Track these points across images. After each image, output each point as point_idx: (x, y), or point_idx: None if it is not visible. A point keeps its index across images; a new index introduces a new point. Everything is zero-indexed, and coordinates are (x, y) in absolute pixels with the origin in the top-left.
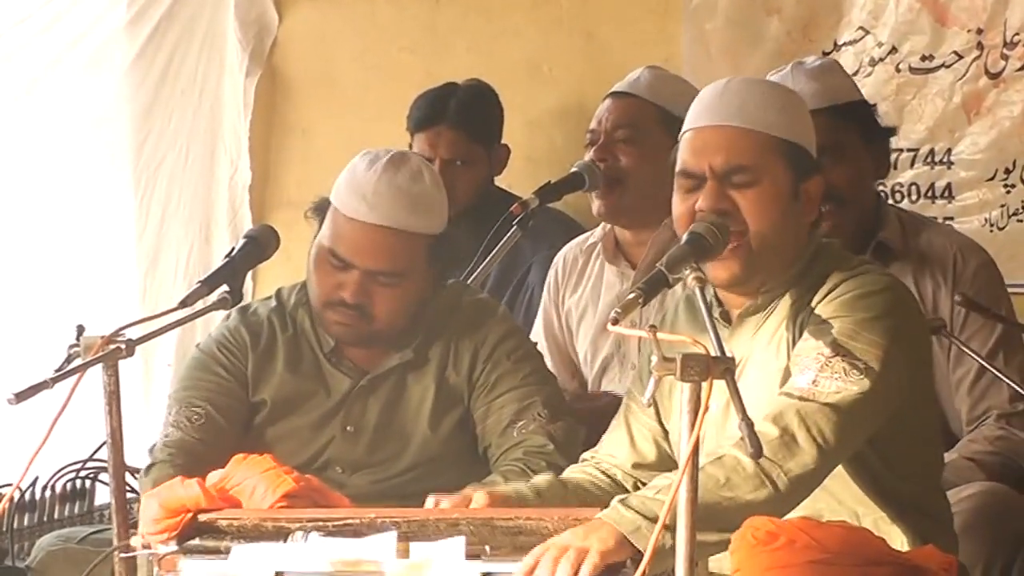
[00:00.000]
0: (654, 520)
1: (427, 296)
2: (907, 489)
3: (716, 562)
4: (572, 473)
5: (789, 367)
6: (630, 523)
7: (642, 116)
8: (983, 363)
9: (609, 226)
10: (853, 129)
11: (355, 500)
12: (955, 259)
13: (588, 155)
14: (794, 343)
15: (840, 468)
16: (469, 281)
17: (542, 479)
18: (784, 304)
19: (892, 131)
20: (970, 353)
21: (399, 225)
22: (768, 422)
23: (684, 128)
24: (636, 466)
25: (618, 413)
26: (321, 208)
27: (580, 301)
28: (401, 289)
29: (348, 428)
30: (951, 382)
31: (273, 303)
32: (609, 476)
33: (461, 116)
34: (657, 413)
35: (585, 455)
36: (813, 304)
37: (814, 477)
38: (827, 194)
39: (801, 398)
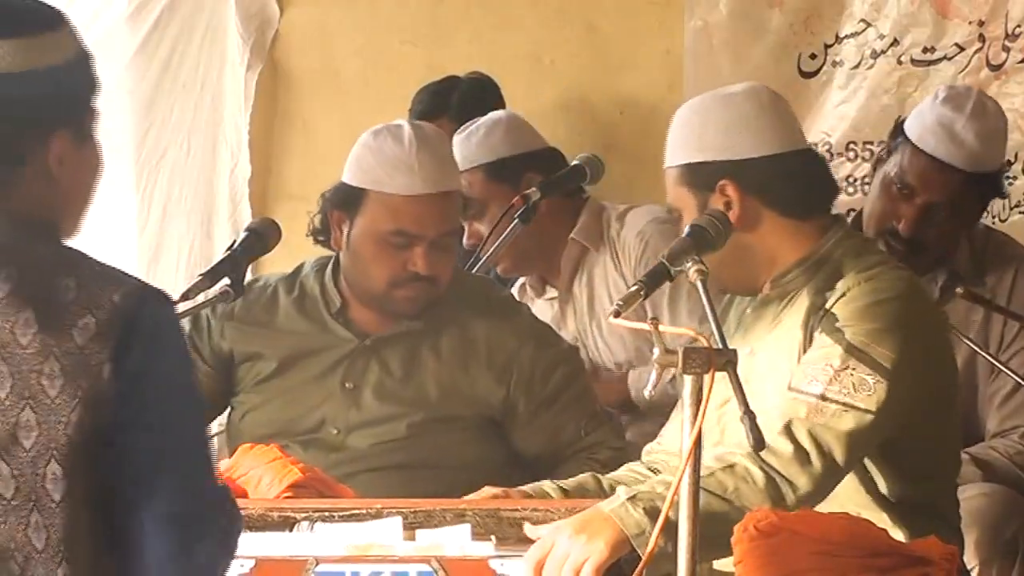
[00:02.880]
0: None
1: None
2: (917, 492)
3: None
4: (615, 472)
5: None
6: (635, 525)
7: (475, 187)
8: (992, 360)
9: None
10: (984, 196)
11: (353, 463)
12: (1016, 276)
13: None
14: (806, 346)
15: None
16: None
17: (572, 480)
18: (801, 301)
19: (1006, 195)
20: (983, 354)
21: (449, 187)
22: (782, 437)
23: None
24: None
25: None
26: (349, 199)
27: None
28: (453, 249)
29: (347, 385)
30: (986, 394)
31: (288, 272)
32: (654, 471)
33: (464, 109)
34: None
35: (647, 447)
36: (828, 303)
37: (820, 494)
38: (910, 238)
39: (810, 412)
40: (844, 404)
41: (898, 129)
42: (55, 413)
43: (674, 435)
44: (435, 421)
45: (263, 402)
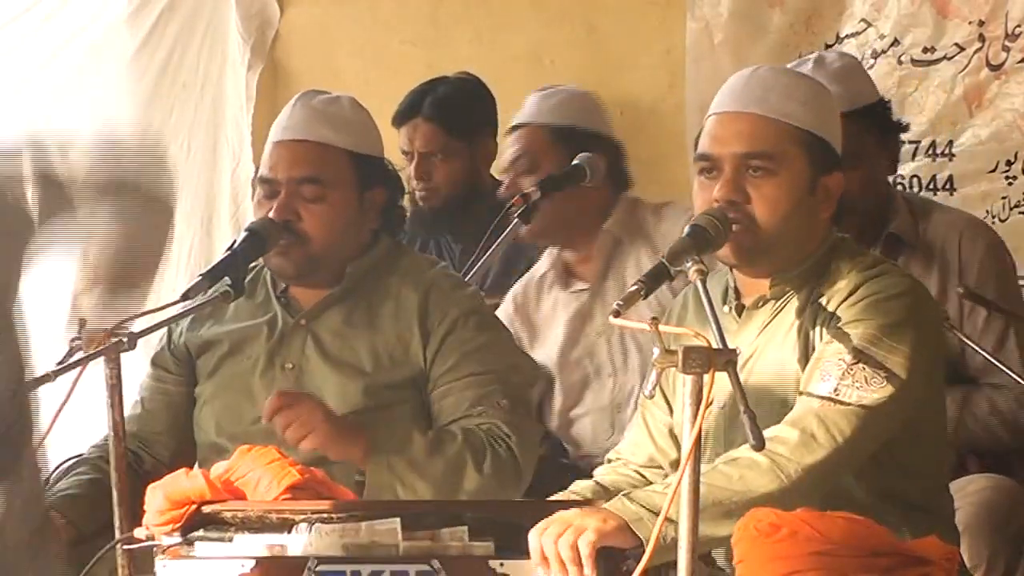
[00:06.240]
0: (656, 512)
1: (359, 221)
2: (915, 488)
3: (719, 557)
4: (607, 476)
5: (806, 364)
6: (633, 513)
7: (535, 141)
8: (986, 355)
9: (556, 252)
10: (871, 132)
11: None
12: (960, 242)
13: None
14: (809, 339)
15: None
16: (471, 274)
17: (583, 484)
18: (797, 302)
19: (906, 127)
20: (974, 347)
21: (314, 137)
22: (788, 426)
23: (708, 113)
24: (653, 462)
25: (636, 414)
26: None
27: (535, 331)
28: (327, 204)
29: (287, 366)
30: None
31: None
32: (644, 478)
33: (437, 110)
34: (669, 408)
35: (609, 455)
36: (830, 303)
37: (827, 469)
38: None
39: (822, 406)
40: (856, 399)
41: None
42: None
43: (636, 445)
44: (375, 389)
45: (215, 392)
